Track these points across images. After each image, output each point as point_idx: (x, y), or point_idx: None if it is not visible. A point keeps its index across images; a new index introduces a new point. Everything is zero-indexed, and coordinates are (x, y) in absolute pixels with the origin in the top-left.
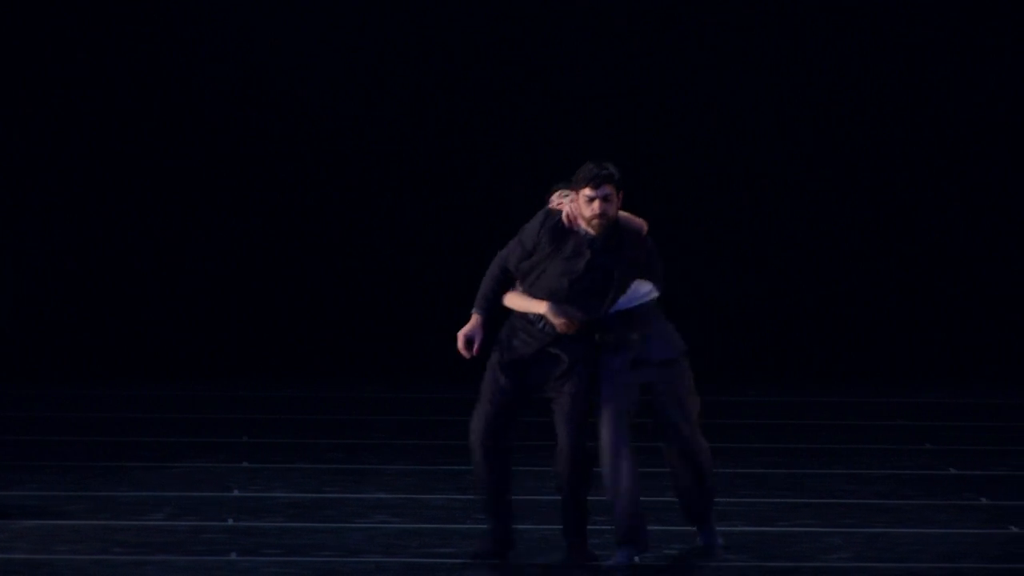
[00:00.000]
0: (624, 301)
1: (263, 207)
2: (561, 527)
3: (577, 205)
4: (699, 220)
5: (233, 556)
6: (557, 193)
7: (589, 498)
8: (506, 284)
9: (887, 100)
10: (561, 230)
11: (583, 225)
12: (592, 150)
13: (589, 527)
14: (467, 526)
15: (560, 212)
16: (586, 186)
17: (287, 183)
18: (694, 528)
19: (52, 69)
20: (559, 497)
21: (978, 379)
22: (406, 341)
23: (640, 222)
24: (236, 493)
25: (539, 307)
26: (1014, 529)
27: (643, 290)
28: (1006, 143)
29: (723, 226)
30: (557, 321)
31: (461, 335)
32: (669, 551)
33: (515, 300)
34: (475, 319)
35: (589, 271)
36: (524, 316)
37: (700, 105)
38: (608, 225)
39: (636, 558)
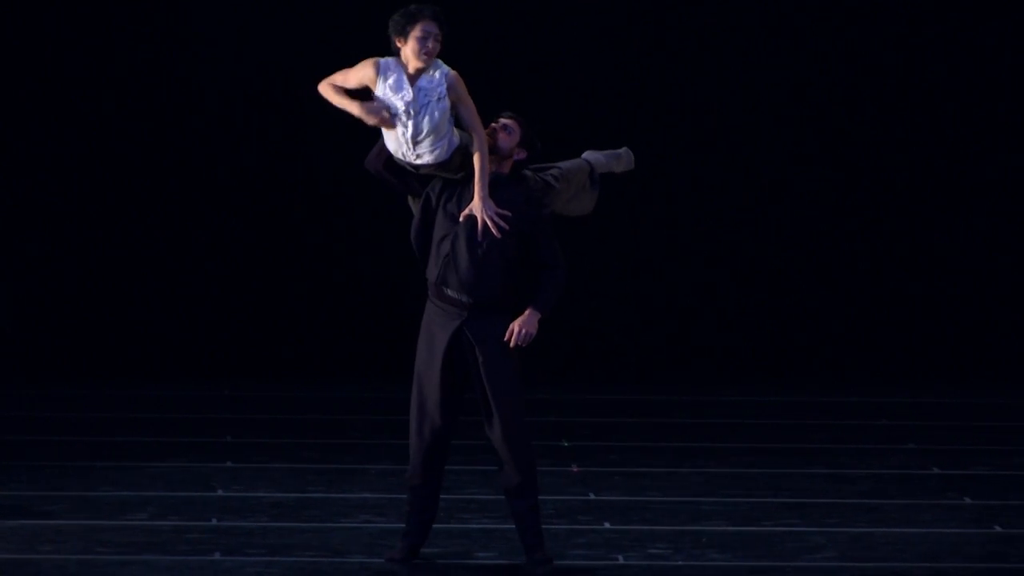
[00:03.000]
0: None
1: (263, 207)
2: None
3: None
4: (699, 220)
5: (217, 556)
6: None
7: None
8: None
9: (887, 99)
10: None
11: None
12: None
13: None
14: (451, 525)
15: None
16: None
17: (287, 183)
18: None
19: (52, 69)
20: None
21: (971, 379)
22: (390, 341)
23: None
24: (220, 493)
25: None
26: (998, 529)
27: None
28: (1006, 143)
29: (723, 226)
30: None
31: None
32: (653, 550)
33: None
34: None
35: None
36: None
37: (700, 105)
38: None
39: None
